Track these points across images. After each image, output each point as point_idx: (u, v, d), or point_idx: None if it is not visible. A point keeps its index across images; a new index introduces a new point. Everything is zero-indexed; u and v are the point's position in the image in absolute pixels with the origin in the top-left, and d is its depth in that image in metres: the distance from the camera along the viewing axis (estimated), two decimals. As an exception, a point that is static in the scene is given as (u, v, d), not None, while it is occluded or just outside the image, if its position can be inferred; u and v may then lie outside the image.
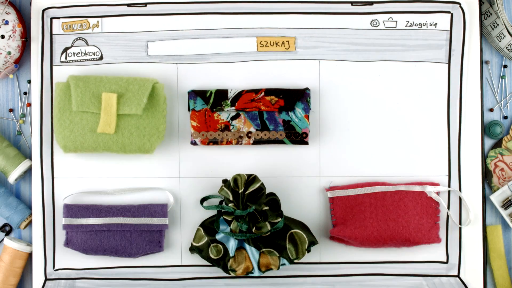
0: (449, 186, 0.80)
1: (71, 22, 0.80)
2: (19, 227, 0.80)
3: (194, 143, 0.78)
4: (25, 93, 0.82)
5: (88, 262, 0.80)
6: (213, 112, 0.78)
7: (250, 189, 0.73)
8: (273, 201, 0.76)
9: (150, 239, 0.78)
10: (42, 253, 0.79)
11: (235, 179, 0.74)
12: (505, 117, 0.83)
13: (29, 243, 0.80)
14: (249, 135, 0.78)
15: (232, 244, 0.76)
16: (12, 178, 0.79)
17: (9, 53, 0.76)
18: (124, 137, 0.76)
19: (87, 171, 0.80)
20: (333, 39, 0.80)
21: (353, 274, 0.80)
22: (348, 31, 0.80)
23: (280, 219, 0.75)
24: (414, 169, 0.80)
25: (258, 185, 0.74)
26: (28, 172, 0.81)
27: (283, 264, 0.76)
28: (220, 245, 0.76)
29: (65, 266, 0.80)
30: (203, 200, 0.77)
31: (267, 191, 0.77)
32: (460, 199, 0.80)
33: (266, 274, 0.79)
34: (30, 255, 0.80)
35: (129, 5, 0.80)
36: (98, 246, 0.77)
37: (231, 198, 0.74)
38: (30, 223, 0.80)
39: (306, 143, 0.78)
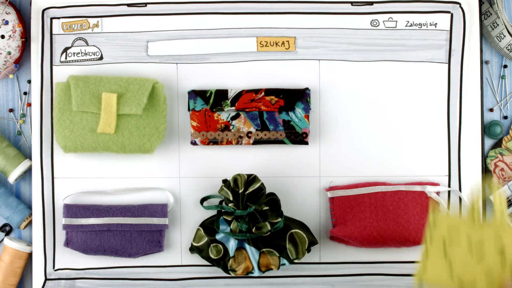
0: (449, 186, 0.80)
1: (71, 22, 0.80)
2: (19, 227, 0.80)
3: (194, 143, 0.78)
4: (25, 93, 0.82)
5: (88, 262, 0.80)
6: (213, 112, 0.78)
7: (250, 189, 0.73)
8: (273, 201, 0.76)
9: (150, 239, 0.78)
10: (42, 253, 0.79)
11: (235, 179, 0.74)
12: (505, 117, 0.83)
13: (29, 243, 0.80)
14: (249, 135, 0.78)
15: (232, 244, 0.76)
16: (12, 178, 0.79)
17: (9, 53, 0.77)
18: (124, 137, 0.76)
19: (87, 171, 0.80)
20: (333, 39, 0.80)
21: (353, 274, 0.80)
22: (348, 31, 0.80)
23: (280, 219, 0.75)
24: (414, 169, 0.80)
25: (258, 185, 0.74)
26: (28, 172, 0.81)
27: (283, 264, 0.76)
28: (220, 245, 0.76)
29: (65, 266, 0.80)
30: (203, 200, 0.77)
31: (267, 191, 0.77)
32: (460, 199, 0.80)
33: (266, 274, 0.79)
34: (30, 255, 0.80)
35: (129, 5, 0.80)
36: (98, 246, 0.77)
37: (231, 198, 0.74)
38: (30, 223, 0.80)
39: (306, 143, 0.78)
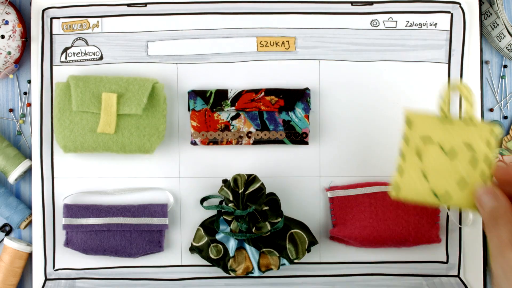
0: (449, 186, 0.80)
1: (71, 22, 0.80)
2: (19, 227, 0.80)
3: (194, 143, 0.78)
4: (25, 93, 0.82)
5: (88, 262, 0.80)
6: (213, 112, 0.78)
7: (250, 189, 0.73)
8: (273, 201, 0.76)
9: (150, 239, 0.78)
10: (42, 253, 0.79)
11: (235, 179, 0.74)
12: (505, 117, 0.83)
13: (29, 243, 0.80)
14: (249, 135, 0.78)
15: (232, 244, 0.76)
16: (12, 178, 0.79)
17: (9, 53, 0.77)
18: (124, 137, 0.76)
19: (87, 171, 0.80)
20: (333, 39, 0.80)
21: (353, 274, 0.80)
22: (348, 31, 0.80)
23: (280, 219, 0.75)
24: (414, 169, 0.79)
25: (258, 185, 0.74)
26: (28, 172, 0.81)
27: (283, 264, 0.76)
28: (220, 245, 0.76)
29: (65, 266, 0.80)
30: (203, 200, 0.77)
31: (267, 191, 0.77)
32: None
33: (266, 274, 0.79)
34: (30, 255, 0.80)
35: (129, 5, 0.80)
36: (98, 246, 0.77)
37: (231, 198, 0.74)
38: (30, 223, 0.81)
39: (306, 143, 0.78)
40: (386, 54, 0.80)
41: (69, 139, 0.76)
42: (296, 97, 0.78)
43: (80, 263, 0.80)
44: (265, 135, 0.78)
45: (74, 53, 0.80)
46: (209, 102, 0.78)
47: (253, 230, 0.74)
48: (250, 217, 0.74)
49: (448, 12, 0.80)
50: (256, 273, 0.76)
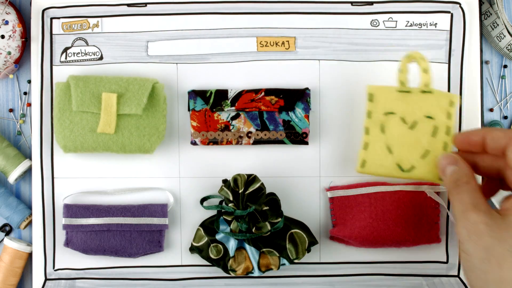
0: (449, 186, 0.80)
1: (71, 22, 0.80)
2: (19, 227, 0.80)
3: (194, 143, 0.78)
4: (25, 93, 0.82)
5: (88, 262, 0.80)
6: (213, 112, 0.78)
7: (250, 189, 0.73)
8: (273, 201, 0.76)
9: (150, 239, 0.78)
10: (42, 253, 0.79)
11: (235, 179, 0.74)
12: (505, 117, 0.83)
13: (29, 243, 0.80)
14: (249, 135, 0.78)
15: (232, 244, 0.76)
16: (12, 178, 0.79)
17: (9, 53, 0.77)
18: (124, 137, 0.76)
19: (87, 171, 0.80)
20: (333, 39, 0.80)
21: (353, 274, 0.80)
22: (348, 31, 0.80)
23: (280, 219, 0.75)
24: (414, 169, 0.79)
25: (258, 185, 0.74)
26: (28, 172, 0.81)
27: (283, 264, 0.76)
28: (220, 245, 0.76)
29: (65, 266, 0.80)
30: (203, 200, 0.77)
31: (267, 191, 0.77)
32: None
33: (266, 274, 0.79)
34: (30, 255, 0.80)
35: (129, 5, 0.80)
36: (98, 246, 0.77)
37: (231, 198, 0.74)
38: (30, 223, 0.81)
39: (306, 143, 0.78)
40: (386, 54, 0.80)
41: (69, 139, 0.76)
42: (296, 97, 0.78)
43: (80, 263, 0.80)
44: (265, 135, 0.78)
45: (74, 53, 0.80)
46: (209, 102, 0.78)
47: (253, 230, 0.74)
48: (250, 217, 0.74)
49: (448, 12, 0.80)
50: (256, 273, 0.76)
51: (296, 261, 0.76)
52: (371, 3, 0.80)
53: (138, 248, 0.78)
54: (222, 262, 0.76)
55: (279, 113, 0.78)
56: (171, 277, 0.80)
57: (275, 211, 0.76)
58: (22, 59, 0.81)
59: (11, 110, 0.82)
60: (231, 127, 0.78)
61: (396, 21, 0.80)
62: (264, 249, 0.75)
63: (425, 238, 0.77)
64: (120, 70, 0.80)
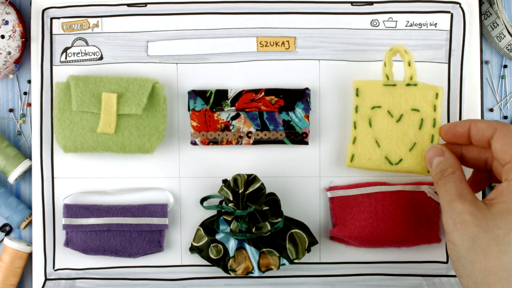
0: (449, 186, 0.80)
1: (71, 22, 0.80)
2: (19, 227, 0.80)
3: (194, 143, 0.78)
4: (25, 93, 0.82)
5: (88, 262, 0.80)
6: (213, 112, 0.78)
7: (250, 189, 0.73)
8: (273, 201, 0.76)
9: (150, 239, 0.78)
10: (42, 253, 0.79)
11: (235, 179, 0.74)
12: (505, 117, 0.83)
13: (29, 243, 0.80)
14: (249, 135, 0.78)
15: (232, 244, 0.76)
16: (12, 178, 0.79)
17: (9, 53, 0.77)
18: (124, 137, 0.76)
19: (87, 171, 0.80)
20: (333, 39, 0.80)
21: (353, 274, 0.80)
22: (348, 31, 0.80)
23: (280, 219, 0.75)
24: (414, 169, 0.80)
25: (258, 185, 0.74)
26: (28, 172, 0.81)
27: (283, 264, 0.76)
28: (220, 245, 0.76)
29: (65, 266, 0.80)
30: (203, 200, 0.77)
31: (267, 191, 0.77)
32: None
33: (266, 274, 0.79)
34: (30, 255, 0.80)
35: (129, 5, 0.80)
36: (98, 246, 0.77)
37: (231, 198, 0.74)
38: (30, 223, 0.81)
39: (306, 143, 0.78)
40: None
41: (69, 139, 0.76)
42: (296, 97, 0.78)
43: (80, 263, 0.80)
44: (265, 135, 0.78)
45: (74, 53, 0.80)
46: (209, 102, 0.78)
47: (253, 230, 0.74)
48: (250, 217, 0.74)
49: (448, 12, 0.80)
50: (256, 273, 0.76)
51: (296, 261, 0.76)
52: (371, 3, 0.80)
53: (138, 248, 0.78)
54: (222, 262, 0.76)
55: (279, 113, 0.78)
56: (171, 277, 0.80)
57: (275, 211, 0.76)
58: (22, 59, 0.81)
59: (11, 110, 0.82)
60: (231, 127, 0.78)
61: (396, 21, 0.80)
62: (264, 249, 0.75)
63: (425, 238, 0.77)
64: (120, 70, 0.80)
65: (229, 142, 0.78)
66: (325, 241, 0.80)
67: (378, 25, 0.80)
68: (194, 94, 0.78)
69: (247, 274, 0.76)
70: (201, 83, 0.80)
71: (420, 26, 0.80)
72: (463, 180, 0.65)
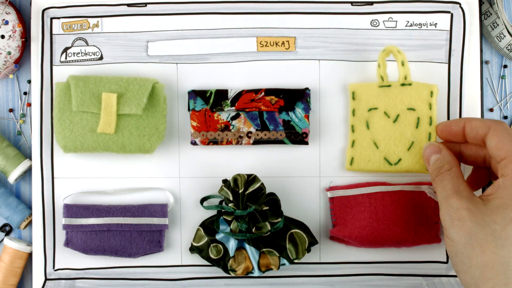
0: (449, 186, 0.80)
1: (71, 22, 0.80)
2: (19, 227, 0.80)
3: (194, 143, 0.78)
4: (25, 93, 0.82)
5: (88, 262, 0.80)
6: (213, 112, 0.78)
7: (250, 189, 0.73)
8: (273, 201, 0.76)
9: (150, 239, 0.78)
10: (42, 253, 0.79)
11: (235, 179, 0.74)
12: (505, 117, 0.83)
13: (29, 243, 0.80)
14: (249, 135, 0.78)
15: (232, 244, 0.76)
16: (12, 178, 0.79)
17: (9, 53, 0.77)
18: (124, 137, 0.76)
19: (87, 171, 0.80)
20: (333, 39, 0.80)
21: (353, 274, 0.80)
22: (348, 31, 0.80)
23: (280, 219, 0.75)
24: (414, 169, 0.80)
25: (258, 185, 0.74)
26: (28, 172, 0.81)
27: (283, 264, 0.76)
28: (220, 245, 0.76)
29: (65, 266, 0.80)
30: (203, 200, 0.77)
31: (267, 191, 0.77)
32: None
33: (266, 274, 0.79)
34: (30, 255, 0.80)
35: (129, 5, 0.80)
36: (98, 246, 0.77)
37: (231, 198, 0.74)
38: (30, 223, 0.81)
39: (306, 143, 0.78)
40: (390, 55, 0.80)
41: (69, 139, 0.76)
42: (296, 97, 0.78)
43: (80, 263, 0.80)
44: (265, 135, 0.78)
45: (74, 53, 0.80)
46: (209, 102, 0.78)
47: (253, 230, 0.74)
48: (250, 217, 0.74)
49: (448, 12, 0.80)
50: (256, 273, 0.76)
51: (296, 261, 0.76)
52: (371, 3, 0.80)
53: (138, 248, 0.78)
54: (222, 262, 0.76)
55: (279, 113, 0.78)
56: (171, 277, 0.80)
57: (275, 211, 0.76)
58: (22, 59, 0.81)
59: (11, 110, 0.82)
60: (231, 127, 0.78)
61: (396, 21, 0.80)
62: (264, 249, 0.75)
63: (425, 238, 0.77)
64: (120, 70, 0.80)
65: (229, 142, 0.78)
66: (325, 241, 0.80)
67: (378, 25, 0.80)
68: (194, 94, 0.78)
69: (247, 274, 0.76)
70: (201, 83, 0.80)
71: (420, 26, 0.80)
72: (459, 176, 0.66)
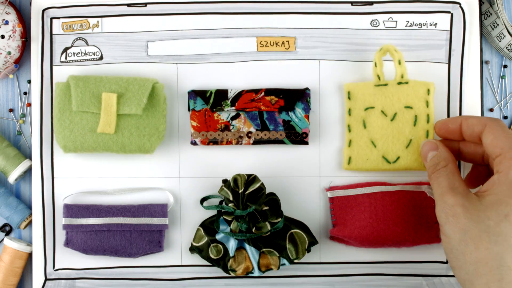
0: (449, 186, 0.80)
1: (71, 22, 0.80)
2: (19, 227, 0.80)
3: (194, 143, 0.78)
4: (25, 93, 0.82)
5: (88, 262, 0.80)
6: (213, 112, 0.78)
7: (250, 189, 0.73)
8: (273, 201, 0.76)
9: (150, 239, 0.78)
10: (42, 253, 0.79)
11: (235, 179, 0.74)
12: (505, 117, 0.83)
13: (29, 243, 0.80)
14: (249, 135, 0.78)
15: (232, 244, 0.76)
16: (12, 178, 0.79)
17: (9, 53, 0.77)
18: (124, 137, 0.76)
19: (87, 171, 0.80)
20: (333, 39, 0.80)
21: (353, 274, 0.80)
22: (348, 31, 0.80)
23: (280, 219, 0.75)
24: (414, 169, 0.80)
25: (258, 185, 0.74)
26: (28, 172, 0.81)
27: (283, 264, 0.76)
28: (220, 245, 0.76)
29: (65, 266, 0.80)
30: (203, 200, 0.77)
31: (267, 191, 0.77)
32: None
33: (266, 274, 0.79)
34: (30, 255, 0.80)
35: (129, 5, 0.80)
36: (98, 246, 0.77)
37: (231, 198, 0.74)
38: (30, 223, 0.81)
39: (306, 143, 0.78)
40: (386, 54, 0.80)
41: (69, 139, 0.76)
42: (296, 97, 0.78)
43: (80, 263, 0.80)
44: (265, 135, 0.78)
45: (74, 53, 0.80)
46: (209, 102, 0.78)
47: (253, 230, 0.74)
48: (250, 217, 0.74)
49: (448, 12, 0.80)
50: (256, 273, 0.76)
51: (296, 261, 0.76)
52: (371, 3, 0.80)
53: (138, 248, 0.78)
54: (222, 262, 0.76)
55: (279, 113, 0.78)
56: (171, 277, 0.80)
57: (275, 211, 0.76)
58: (22, 59, 0.81)
59: (11, 110, 0.82)
60: (231, 127, 0.78)
61: (396, 21, 0.80)
62: (264, 249, 0.75)
63: (425, 238, 0.77)
64: (120, 70, 0.80)
65: (229, 142, 0.78)
66: (325, 241, 0.80)
67: (378, 25, 0.80)
68: (194, 94, 0.78)
69: (247, 274, 0.76)
70: (201, 83, 0.80)
71: (420, 26, 0.80)
72: (455, 173, 0.66)
